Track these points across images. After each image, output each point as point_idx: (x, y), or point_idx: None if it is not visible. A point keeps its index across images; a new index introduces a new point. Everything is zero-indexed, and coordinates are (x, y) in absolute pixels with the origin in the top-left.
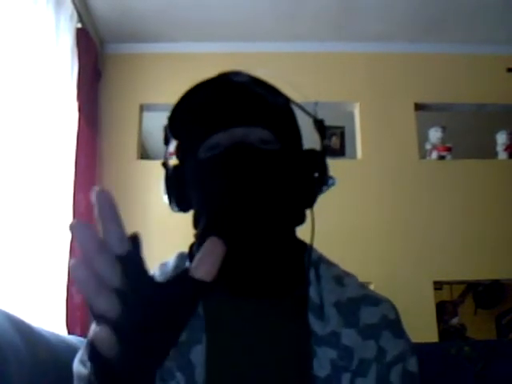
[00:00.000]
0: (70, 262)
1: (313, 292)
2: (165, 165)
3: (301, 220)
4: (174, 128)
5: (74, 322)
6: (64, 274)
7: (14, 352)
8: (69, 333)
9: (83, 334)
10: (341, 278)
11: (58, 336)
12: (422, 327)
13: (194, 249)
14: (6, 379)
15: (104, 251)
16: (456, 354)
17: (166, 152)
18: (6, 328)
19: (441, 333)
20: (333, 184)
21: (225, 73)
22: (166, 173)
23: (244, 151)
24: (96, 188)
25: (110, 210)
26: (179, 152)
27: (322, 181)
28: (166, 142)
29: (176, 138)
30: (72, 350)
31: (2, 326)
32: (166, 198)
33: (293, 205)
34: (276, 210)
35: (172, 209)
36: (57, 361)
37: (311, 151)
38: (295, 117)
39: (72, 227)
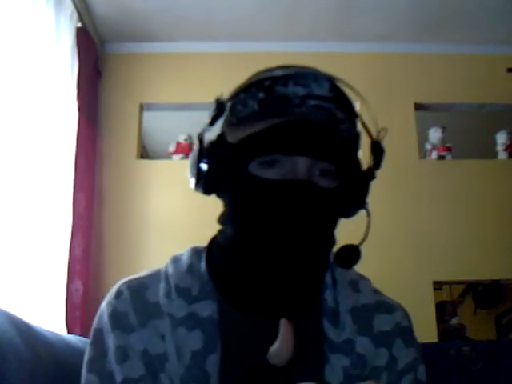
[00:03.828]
0: None
1: (328, 296)
2: (201, 140)
3: (334, 242)
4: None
5: (73, 322)
6: (63, 274)
7: (14, 351)
8: (68, 332)
9: (83, 334)
10: (356, 282)
11: (57, 335)
12: (421, 327)
13: (213, 247)
14: (6, 378)
15: None
16: (455, 354)
17: (206, 126)
18: (6, 327)
19: (440, 333)
20: (368, 214)
21: (306, 71)
22: (201, 148)
23: (305, 190)
24: None
25: None
26: (222, 138)
27: (360, 207)
28: (219, 114)
29: (234, 123)
30: (72, 350)
31: (2, 326)
32: (192, 174)
33: (332, 234)
34: (318, 244)
35: (196, 188)
36: (57, 360)
37: (362, 177)
38: (359, 148)
39: None
